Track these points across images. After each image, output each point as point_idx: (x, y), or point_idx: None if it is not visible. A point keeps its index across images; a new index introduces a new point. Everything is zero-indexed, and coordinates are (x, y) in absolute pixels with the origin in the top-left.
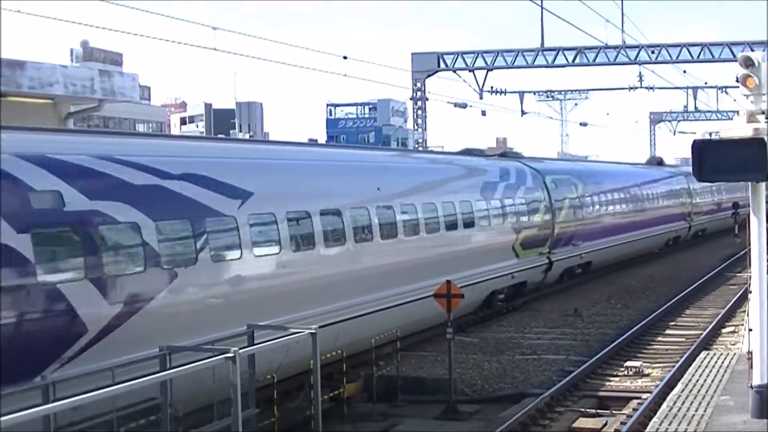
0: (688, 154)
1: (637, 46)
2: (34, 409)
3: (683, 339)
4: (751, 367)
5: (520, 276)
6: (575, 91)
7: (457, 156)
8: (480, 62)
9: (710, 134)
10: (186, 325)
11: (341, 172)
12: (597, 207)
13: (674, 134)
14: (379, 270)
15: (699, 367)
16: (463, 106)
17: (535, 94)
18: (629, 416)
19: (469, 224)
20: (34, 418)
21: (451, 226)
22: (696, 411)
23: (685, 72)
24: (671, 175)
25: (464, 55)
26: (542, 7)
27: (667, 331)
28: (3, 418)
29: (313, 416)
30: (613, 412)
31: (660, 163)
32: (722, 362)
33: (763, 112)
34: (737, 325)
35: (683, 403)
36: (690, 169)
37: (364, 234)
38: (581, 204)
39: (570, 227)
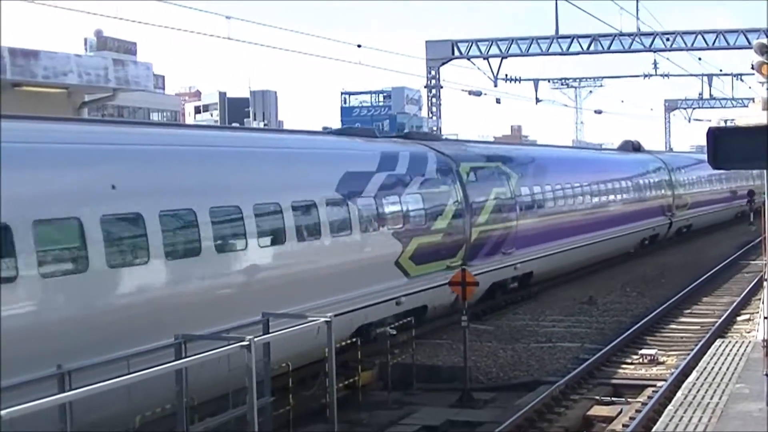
0: (703, 142)
1: (652, 34)
2: (49, 398)
3: (698, 327)
4: (766, 355)
5: (414, 300)
6: (590, 78)
7: (310, 136)
8: (494, 50)
9: (725, 122)
10: None
11: (29, 160)
12: (540, 203)
13: (689, 122)
14: (116, 317)
15: (714, 355)
16: (478, 94)
17: (549, 81)
18: (644, 404)
19: (310, 234)
20: (50, 407)
21: (273, 238)
22: (711, 399)
23: (700, 59)
24: (647, 163)
25: (478, 43)
26: None
27: (682, 319)
28: (19, 407)
29: (328, 404)
30: (628, 400)
31: (637, 148)
32: (737, 350)
33: None
34: (752, 313)
35: (698, 390)
36: (670, 155)
37: (69, 262)
38: (515, 200)
39: (497, 231)
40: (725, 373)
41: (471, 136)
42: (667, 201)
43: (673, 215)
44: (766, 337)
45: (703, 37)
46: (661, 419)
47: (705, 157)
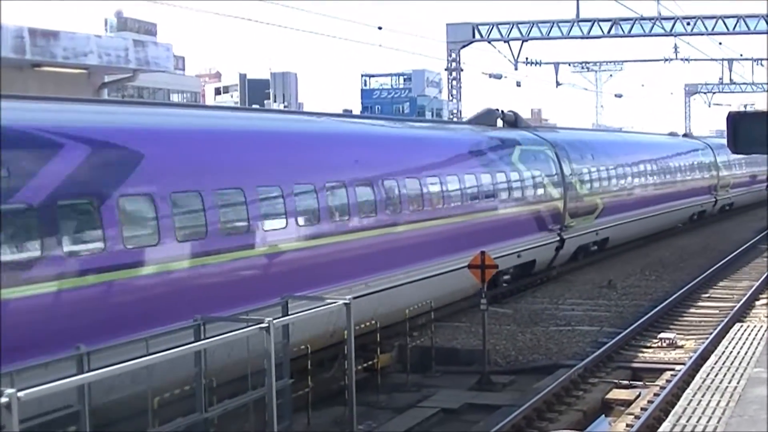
0: (724, 126)
1: (672, 18)
2: (68, 379)
3: (717, 311)
4: None
5: None
6: (610, 62)
7: None
8: (515, 33)
9: (745, 106)
10: None
11: None
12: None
13: (709, 106)
14: None
15: (732, 339)
16: (498, 77)
17: (570, 65)
18: (662, 388)
19: None
20: (68, 388)
21: None
22: (729, 383)
23: (720, 44)
24: (503, 145)
25: (499, 26)
26: None
27: (701, 303)
28: (38, 388)
29: (347, 387)
30: (647, 383)
31: (512, 123)
32: (756, 334)
33: None
34: None
35: (716, 375)
36: (565, 134)
37: None
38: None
39: None
40: (743, 358)
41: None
42: (554, 208)
43: (564, 229)
44: None
45: (723, 21)
46: (679, 403)
47: (638, 135)
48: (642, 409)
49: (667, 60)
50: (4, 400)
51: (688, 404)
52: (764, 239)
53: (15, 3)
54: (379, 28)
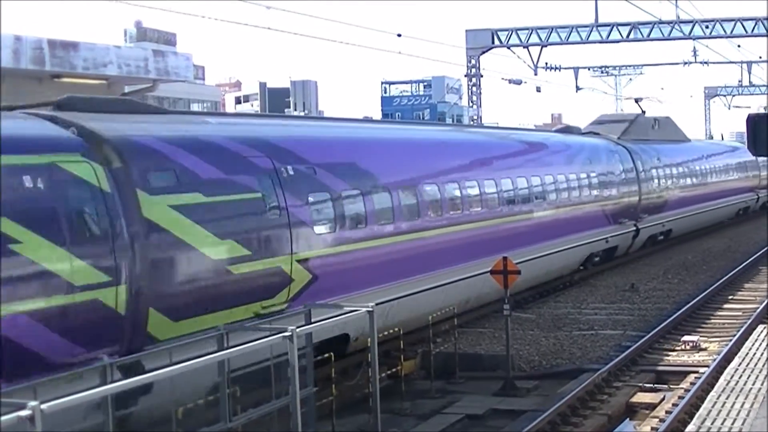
0: (743, 129)
1: (691, 21)
2: (92, 391)
3: (740, 313)
4: None
5: None
6: (630, 66)
7: None
8: (534, 38)
9: (765, 108)
10: None
11: None
12: None
13: (729, 109)
14: None
15: (756, 340)
16: (518, 82)
17: (589, 69)
18: (687, 390)
19: None
20: (92, 399)
21: None
22: (753, 385)
23: (739, 46)
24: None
25: (518, 32)
26: None
27: (724, 305)
28: (61, 400)
29: (371, 394)
30: (671, 386)
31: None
32: None
33: None
34: None
35: (740, 377)
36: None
37: None
38: None
39: None
40: (767, 359)
41: (511, 125)
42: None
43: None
44: None
45: (742, 24)
46: (703, 405)
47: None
48: (667, 412)
49: (686, 63)
50: (27, 412)
51: (713, 406)
52: None
53: (35, 14)
54: (399, 35)
